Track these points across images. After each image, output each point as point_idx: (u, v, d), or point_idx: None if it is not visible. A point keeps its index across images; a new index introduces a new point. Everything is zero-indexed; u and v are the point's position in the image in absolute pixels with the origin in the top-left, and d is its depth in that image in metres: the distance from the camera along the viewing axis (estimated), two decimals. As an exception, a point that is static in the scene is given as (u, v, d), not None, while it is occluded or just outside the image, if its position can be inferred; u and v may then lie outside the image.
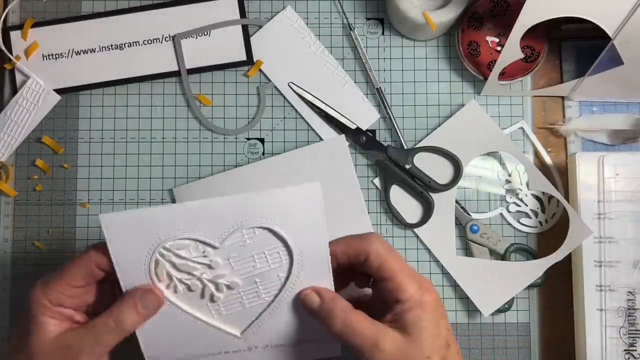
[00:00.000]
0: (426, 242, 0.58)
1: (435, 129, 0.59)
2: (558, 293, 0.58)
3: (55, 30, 0.60)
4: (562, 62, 0.60)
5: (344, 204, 0.58)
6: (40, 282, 0.43)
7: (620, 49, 0.51)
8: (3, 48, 0.59)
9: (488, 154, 0.59)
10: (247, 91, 0.60)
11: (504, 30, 0.58)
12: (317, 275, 0.46)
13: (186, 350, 0.47)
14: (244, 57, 0.59)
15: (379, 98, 0.59)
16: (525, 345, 0.58)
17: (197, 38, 0.59)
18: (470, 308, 0.57)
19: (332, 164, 0.58)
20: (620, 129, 0.59)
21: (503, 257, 0.57)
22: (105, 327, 0.42)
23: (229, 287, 0.46)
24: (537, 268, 0.55)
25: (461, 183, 0.58)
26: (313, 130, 0.59)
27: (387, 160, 0.58)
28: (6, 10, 0.59)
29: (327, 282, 0.46)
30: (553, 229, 0.58)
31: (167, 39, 0.59)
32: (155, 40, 0.59)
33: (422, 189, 0.57)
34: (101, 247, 0.43)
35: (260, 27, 0.60)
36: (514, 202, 0.58)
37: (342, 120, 0.58)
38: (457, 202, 0.58)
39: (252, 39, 0.60)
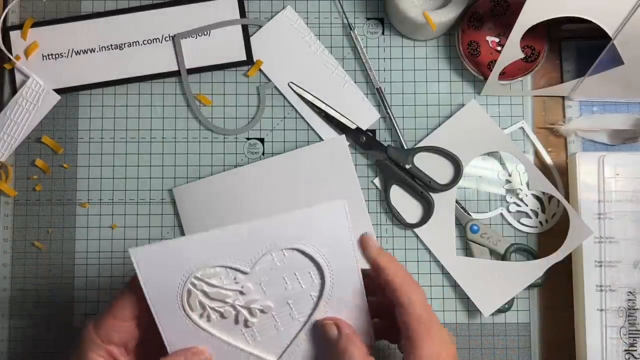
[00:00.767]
0: (426, 242, 0.58)
1: (435, 129, 0.59)
2: (558, 293, 0.57)
3: (55, 30, 0.59)
4: (562, 62, 0.60)
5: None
6: (93, 320, 0.43)
7: (621, 48, 0.51)
8: (3, 48, 0.59)
9: (488, 154, 0.59)
10: (247, 91, 0.60)
11: (504, 30, 0.58)
12: (349, 291, 0.46)
13: None
14: (244, 57, 0.59)
15: (379, 98, 0.59)
16: (525, 345, 0.58)
17: (197, 38, 0.59)
18: (470, 308, 0.57)
19: (332, 164, 0.58)
20: (620, 129, 0.59)
21: (503, 257, 0.57)
22: None
23: (262, 311, 0.46)
24: (537, 268, 0.55)
25: (461, 183, 0.58)
26: (313, 130, 0.59)
27: (387, 160, 0.58)
28: (6, 10, 0.59)
29: (359, 297, 0.46)
30: (553, 229, 0.58)
31: (167, 39, 0.59)
32: (155, 40, 0.59)
33: (422, 189, 0.57)
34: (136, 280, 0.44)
35: (260, 27, 0.60)
36: (514, 202, 0.58)
37: (342, 120, 0.58)
38: (457, 202, 0.58)
39: (252, 39, 0.60)
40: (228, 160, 0.59)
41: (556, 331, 0.58)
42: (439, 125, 0.59)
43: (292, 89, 0.59)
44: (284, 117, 0.59)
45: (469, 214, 0.58)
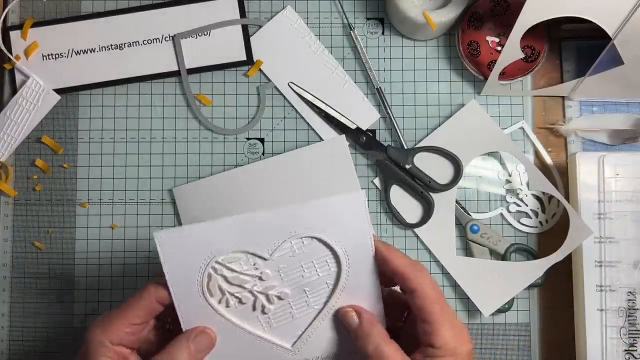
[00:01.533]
0: (426, 242, 0.58)
1: (435, 129, 0.59)
2: (558, 293, 0.57)
3: (55, 30, 0.59)
4: (562, 62, 0.60)
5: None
6: (100, 321, 0.43)
7: (621, 48, 0.51)
8: (3, 48, 0.59)
9: (488, 154, 0.59)
10: (247, 91, 0.60)
11: (504, 30, 0.58)
12: (364, 281, 0.47)
13: None
14: (244, 57, 0.59)
15: (379, 98, 0.59)
16: (525, 345, 0.58)
17: (197, 38, 0.59)
18: (470, 308, 0.57)
19: (332, 163, 0.58)
20: (620, 129, 0.59)
21: (503, 257, 0.57)
22: None
23: (279, 297, 0.47)
24: (537, 268, 0.55)
25: (461, 183, 0.58)
26: (313, 130, 0.59)
27: (387, 160, 0.58)
28: (6, 10, 0.59)
29: (373, 287, 0.47)
30: (553, 229, 0.58)
31: (167, 39, 0.59)
32: (155, 40, 0.59)
33: (422, 189, 0.57)
34: (159, 282, 0.44)
35: (260, 27, 0.60)
36: (514, 202, 0.58)
37: (342, 120, 0.58)
38: (457, 202, 0.58)
39: (252, 39, 0.60)
40: (228, 160, 0.59)
41: (556, 331, 0.58)
42: (439, 125, 0.58)
43: (292, 89, 0.59)
44: (284, 117, 0.59)
45: (469, 214, 0.58)
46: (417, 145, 0.58)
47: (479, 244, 0.57)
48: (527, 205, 0.58)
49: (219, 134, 0.59)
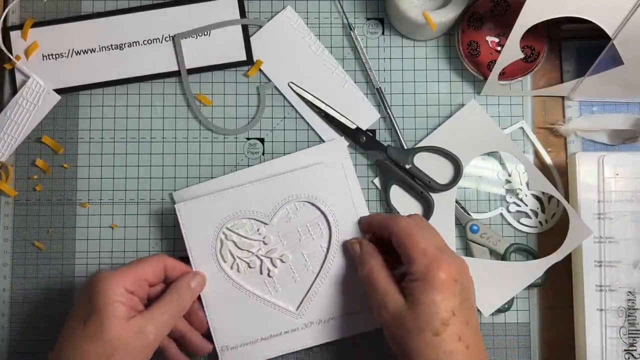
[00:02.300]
0: (426, 242, 0.58)
1: (435, 129, 0.59)
2: (558, 293, 0.58)
3: (55, 30, 0.60)
4: (562, 62, 0.60)
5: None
6: (112, 271, 0.48)
7: (620, 48, 0.51)
8: (3, 48, 0.59)
9: (488, 154, 0.59)
10: (247, 91, 0.60)
11: (504, 30, 0.58)
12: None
13: (251, 333, 0.54)
14: (244, 57, 0.59)
15: (379, 98, 0.59)
16: (525, 345, 0.58)
17: (197, 38, 0.59)
18: (470, 308, 0.57)
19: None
20: (620, 129, 0.59)
21: (503, 257, 0.57)
22: (170, 304, 0.49)
23: (282, 260, 0.54)
24: (537, 268, 0.55)
25: (461, 183, 0.58)
26: (313, 130, 0.59)
27: (387, 160, 0.58)
28: (6, 10, 0.59)
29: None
30: (553, 229, 0.58)
31: (167, 39, 0.59)
32: (155, 40, 0.59)
33: (422, 189, 0.57)
34: (166, 255, 0.52)
35: (260, 27, 0.60)
36: (514, 202, 0.58)
37: (342, 120, 0.58)
38: (457, 202, 0.58)
39: (252, 39, 0.60)
40: (228, 160, 0.59)
41: (556, 331, 0.58)
42: (439, 125, 0.59)
43: (292, 89, 0.59)
44: (284, 117, 0.60)
45: (468, 214, 0.58)
46: (417, 145, 0.58)
47: (478, 244, 0.57)
48: (527, 205, 0.58)
49: (219, 134, 0.59)
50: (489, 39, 0.58)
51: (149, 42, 0.59)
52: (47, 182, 0.59)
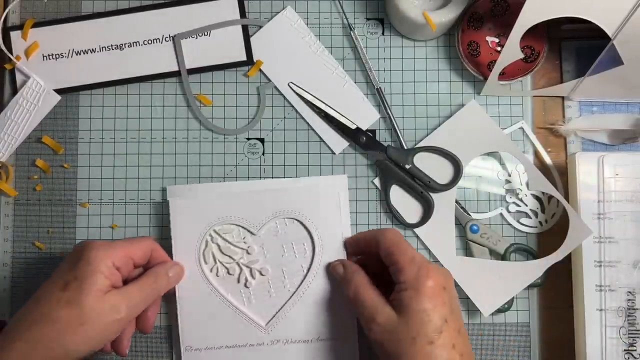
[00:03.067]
0: (426, 242, 0.58)
1: (435, 129, 0.59)
2: (558, 293, 0.58)
3: (55, 30, 0.60)
4: (562, 62, 0.60)
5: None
6: (102, 243, 0.48)
7: (620, 49, 0.51)
8: (3, 48, 0.59)
9: (488, 154, 0.59)
10: (247, 91, 0.60)
11: (504, 30, 0.58)
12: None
13: (217, 339, 0.54)
14: (244, 57, 0.59)
15: (379, 98, 0.59)
16: (525, 345, 0.58)
17: (197, 38, 0.59)
18: (470, 308, 0.57)
19: (327, 202, 0.57)
20: (620, 129, 0.59)
21: (503, 257, 0.57)
22: (146, 286, 0.49)
23: (261, 273, 0.55)
24: (537, 268, 0.55)
25: (461, 183, 0.58)
26: (313, 130, 0.59)
27: (387, 160, 0.58)
28: (6, 11, 0.60)
29: None
30: (553, 229, 0.58)
31: (167, 39, 0.59)
32: (155, 40, 0.59)
33: (422, 189, 0.57)
34: (155, 240, 0.53)
35: (260, 27, 0.60)
36: (514, 202, 0.58)
37: (342, 120, 0.58)
38: (457, 202, 0.58)
39: (252, 39, 0.60)
40: (228, 160, 0.59)
41: (556, 331, 0.58)
42: (439, 125, 0.59)
43: (292, 89, 0.59)
44: (284, 117, 0.60)
45: (468, 214, 0.58)
46: (417, 145, 0.58)
47: (478, 244, 0.57)
48: (526, 205, 0.58)
49: (219, 134, 0.59)
50: (489, 39, 0.58)
51: (149, 42, 0.59)
52: (47, 182, 0.59)
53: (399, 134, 0.58)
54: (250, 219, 0.54)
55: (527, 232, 0.58)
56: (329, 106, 0.59)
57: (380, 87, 0.59)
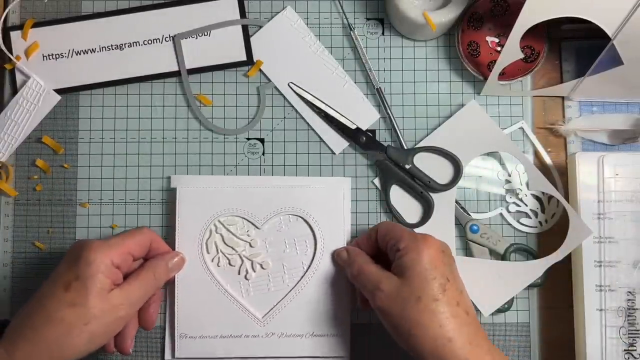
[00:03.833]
0: (426, 242, 0.58)
1: (435, 129, 0.59)
2: (558, 293, 0.58)
3: (55, 31, 0.60)
4: (562, 62, 0.60)
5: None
6: (101, 242, 0.48)
7: (620, 49, 0.51)
8: (3, 48, 0.59)
9: (488, 154, 0.59)
10: (247, 91, 0.60)
11: (504, 30, 0.58)
12: (334, 268, 0.55)
13: (212, 328, 0.55)
14: (244, 57, 0.59)
15: (379, 98, 0.59)
16: (525, 345, 0.58)
17: (197, 38, 0.59)
18: (470, 308, 0.57)
19: (332, 203, 0.58)
20: (620, 129, 0.59)
21: (503, 257, 0.57)
22: (145, 281, 0.50)
23: (262, 266, 0.55)
24: (537, 268, 0.55)
25: (461, 183, 0.58)
26: (313, 130, 0.59)
27: (387, 160, 0.58)
28: (6, 11, 0.60)
29: (340, 277, 0.55)
30: (553, 229, 0.58)
31: (167, 39, 0.59)
32: (155, 40, 0.59)
33: (422, 189, 0.57)
34: (152, 230, 0.53)
35: (260, 27, 0.60)
36: (514, 202, 0.58)
37: (342, 120, 0.58)
38: (457, 202, 0.58)
39: (252, 39, 0.60)
40: (228, 160, 0.59)
41: (556, 331, 0.58)
42: (439, 125, 0.59)
43: (292, 89, 0.59)
44: (284, 117, 0.60)
45: (468, 214, 0.58)
46: (417, 145, 0.58)
47: (478, 244, 0.57)
48: (526, 205, 0.58)
49: (219, 134, 0.59)
50: (489, 39, 0.58)
51: (149, 42, 0.59)
52: (47, 182, 0.59)
53: (399, 134, 0.58)
54: (256, 213, 0.56)
55: (527, 232, 0.58)
56: (329, 106, 0.59)
57: (380, 87, 0.59)
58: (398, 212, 0.58)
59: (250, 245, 0.56)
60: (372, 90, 0.59)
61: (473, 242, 0.57)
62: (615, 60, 0.52)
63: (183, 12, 0.60)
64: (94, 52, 0.59)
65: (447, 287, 0.46)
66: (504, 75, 0.57)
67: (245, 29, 0.60)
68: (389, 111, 0.59)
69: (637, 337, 0.54)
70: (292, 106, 0.59)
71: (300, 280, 0.55)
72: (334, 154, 0.59)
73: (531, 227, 0.58)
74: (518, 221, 0.58)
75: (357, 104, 0.59)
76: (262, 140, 0.59)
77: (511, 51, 0.53)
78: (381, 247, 0.52)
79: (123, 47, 0.59)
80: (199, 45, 0.59)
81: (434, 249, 0.48)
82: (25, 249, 0.58)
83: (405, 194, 0.58)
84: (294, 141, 0.59)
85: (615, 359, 0.54)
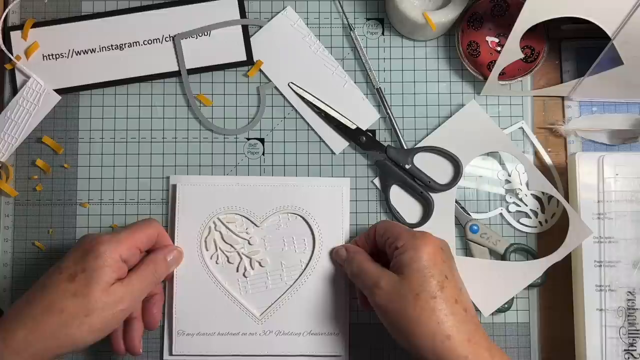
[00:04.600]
0: (426, 242, 0.58)
1: (435, 129, 0.59)
2: (558, 293, 0.58)
3: (55, 30, 0.60)
4: (562, 62, 0.60)
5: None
6: (110, 236, 0.48)
7: (620, 49, 0.51)
8: (3, 48, 0.59)
9: (488, 154, 0.59)
10: (247, 91, 0.60)
11: (504, 30, 0.58)
12: (332, 267, 0.56)
13: (210, 325, 0.55)
14: (244, 57, 0.59)
15: (379, 98, 0.59)
16: (525, 345, 0.58)
17: (197, 38, 0.59)
18: (470, 308, 0.57)
19: (333, 205, 0.58)
20: (620, 129, 0.59)
21: (503, 257, 0.57)
22: (146, 276, 0.50)
23: (260, 264, 0.56)
24: (537, 268, 0.55)
25: (461, 183, 0.58)
26: (313, 130, 0.59)
27: (387, 160, 0.58)
28: (6, 11, 0.60)
29: (339, 276, 0.56)
30: (553, 229, 0.58)
31: (167, 39, 0.59)
32: (155, 40, 0.59)
33: (422, 189, 0.57)
34: (158, 222, 0.53)
35: (260, 27, 0.60)
36: (514, 202, 0.58)
37: (342, 120, 0.58)
38: (457, 202, 0.58)
39: (252, 39, 0.60)
40: (228, 160, 0.59)
41: (556, 331, 0.58)
42: (439, 125, 0.59)
43: (292, 89, 0.59)
44: (284, 117, 0.60)
45: (468, 214, 0.58)
46: (417, 146, 0.58)
47: (478, 244, 0.57)
48: (526, 205, 0.58)
49: (219, 134, 0.59)
50: (489, 39, 0.58)
51: (149, 42, 0.59)
52: (47, 182, 0.59)
53: (399, 134, 0.58)
54: (255, 211, 0.56)
55: (527, 232, 0.58)
56: (329, 106, 0.59)
57: (380, 87, 0.59)
58: (398, 212, 0.58)
59: (249, 243, 0.56)
60: (372, 90, 0.59)
61: (473, 242, 0.57)
62: (615, 60, 0.52)
63: (183, 12, 0.60)
64: (94, 52, 0.59)
65: (446, 284, 0.46)
66: (504, 75, 0.57)
67: (245, 29, 0.60)
68: (389, 111, 0.59)
69: (637, 337, 0.54)
70: (292, 106, 0.59)
71: (298, 279, 0.56)
72: (334, 154, 0.59)
73: (531, 227, 0.58)
74: (518, 221, 0.58)
75: (357, 104, 0.59)
76: (262, 140, 0.59)
77: (511, 51, 0.53)
78: (380, 246, 0.52)
79: (123, 47, 0.59)
80: (199, 45, 0.59)
81: (432, 246, 0.48)
82: (26, 249, 0.58)
83: (405, 194, 0.58)
84: (294, 141, 0.59)
85: (615, 359, 0.54)
